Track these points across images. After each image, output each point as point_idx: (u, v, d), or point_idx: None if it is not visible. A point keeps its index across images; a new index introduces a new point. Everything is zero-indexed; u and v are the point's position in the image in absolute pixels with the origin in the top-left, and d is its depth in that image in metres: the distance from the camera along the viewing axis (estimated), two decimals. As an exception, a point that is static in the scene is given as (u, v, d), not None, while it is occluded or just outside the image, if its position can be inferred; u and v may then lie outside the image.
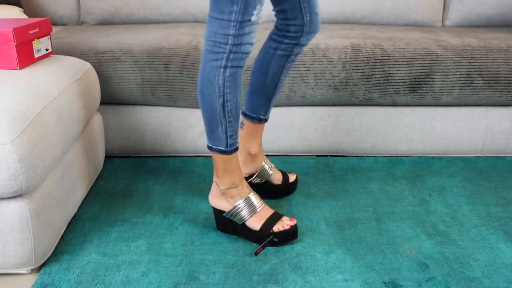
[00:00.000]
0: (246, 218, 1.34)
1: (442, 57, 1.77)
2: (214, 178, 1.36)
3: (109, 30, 2.01)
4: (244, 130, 1.48)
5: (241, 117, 1.40)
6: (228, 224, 1.38)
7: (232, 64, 1.19)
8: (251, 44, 1.20)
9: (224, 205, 1.36)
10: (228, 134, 1.26)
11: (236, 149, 1.30)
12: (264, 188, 1.55)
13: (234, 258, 1.29)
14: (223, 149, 1.28)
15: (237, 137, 1.30)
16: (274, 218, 1.35)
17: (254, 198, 1.35)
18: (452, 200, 1.59)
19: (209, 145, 1.30)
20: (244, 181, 1.36)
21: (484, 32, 2.03)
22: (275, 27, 1.38)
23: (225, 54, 1.18)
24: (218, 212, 1.38)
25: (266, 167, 1.54)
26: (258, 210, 1.34)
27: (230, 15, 1.15)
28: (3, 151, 1.08)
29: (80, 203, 1.52)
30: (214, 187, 1.37)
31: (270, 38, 1.39)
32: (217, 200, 1.37)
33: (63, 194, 1.34)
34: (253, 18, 1.16)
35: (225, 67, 1.19)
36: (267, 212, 1.36)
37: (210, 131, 1.28)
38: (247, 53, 1.20)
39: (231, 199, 1.34)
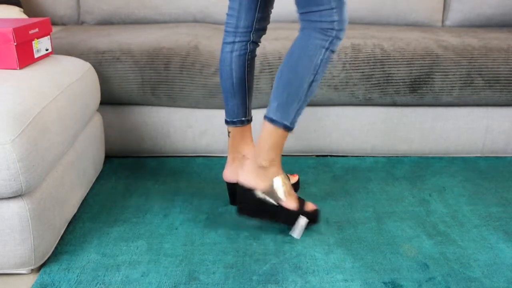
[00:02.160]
0: (282, 198, 1.34)
1: (442, 57, 1.76)
2: (253, 155, 1.37)
3: (109, 30, 2.01)
4: (231, 138, 1.47)
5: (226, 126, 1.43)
6: (256, 206, 1.36)
7: (332, 48, 1.25)
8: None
9: (259, 183, 1.35)
10: (298, 112, 1.29)
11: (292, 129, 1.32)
12: None
13: (234, 258, 1.29)
14: (287, 124, 1.29)
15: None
16: (300, 199, 1.39)
17: (287, 178, 1.38)
18: (452, 200, 1.59)
19: (274, 118, 1.29)
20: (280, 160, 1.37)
21: (484, 32, 2.03)
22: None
23: (331, 38, 1.24)
24: (248, 192, 1.36)
25: None
26: (291, 190, 1.37)
27: (329, 3, 1.21)
28: (3, 151, 1.08)
29: (80, 203, 1.52)
30: (250, 165, 1.37)
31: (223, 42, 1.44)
32: (251, 178, 1.36)
33: (63, 194, 1.34)
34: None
35: (326, 49, 1.25)
36: (294, 192, 1.39)
37: (283, 105, 1.28)
38: (342, 39, 1.28)
39: (268, 176, 1.34)
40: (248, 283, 1.20)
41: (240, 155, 1.48)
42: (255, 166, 1.35)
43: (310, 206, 1.40)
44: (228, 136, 1.47)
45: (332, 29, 1.23)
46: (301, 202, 1.38)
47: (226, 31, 1.40)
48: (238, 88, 1.42)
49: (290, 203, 1.35)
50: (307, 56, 1.26)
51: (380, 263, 1.28)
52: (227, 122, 1.46)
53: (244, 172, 1.37)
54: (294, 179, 1.59)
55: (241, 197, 1.38)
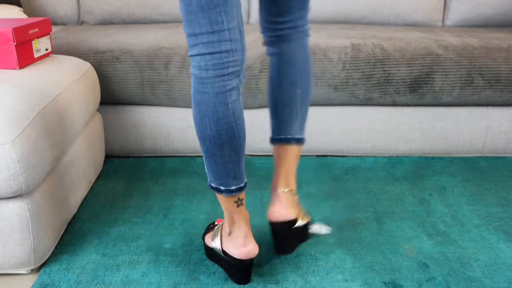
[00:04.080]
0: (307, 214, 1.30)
1: (443, 56, 1.76)
2: (281, 186, 1.23)
3: (109, 30, 2.01)
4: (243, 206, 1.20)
5: None
6: (296, 236, 1.28)
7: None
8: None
9: (298, 211, 1.26)
10: None
11: None
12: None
13: (234, 258, 1.29)
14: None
15: None
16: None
17: None
18: (453, 200, 1.59)
19: (302, 137, 1.20)
20: None
21: (485, 32, 2.03)
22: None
23: (309, 38, 1.24)
24: (294, 228, 1.25)
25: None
26: None
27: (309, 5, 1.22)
28: (3, 151, 1.08)
29: (80, 203, 1.52)
30: (285, 196, 1.24)
31: None
32: (293, 210, 1.24)
33: (63, 194, 1.34)
34: None
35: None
36: None
37: (304, 119, 1.23)
38: None
39: (296, 200, 1.28)
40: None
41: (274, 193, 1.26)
42: (291, 196, 1.21)
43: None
44: (241, 204, 1.14)
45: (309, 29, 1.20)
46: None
47: (228, 74, 1.02)
48: (244, 139, 1.11)
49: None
50: (310, 64, 1.21)
51: (380, 263, 1.27)
52: (241, 189, 1.12)
53: (283, 206, 1.21)
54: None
55: (287, 237, 1.23)
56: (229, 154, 1.06)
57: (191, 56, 1.03)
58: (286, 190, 1.21)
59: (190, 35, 1.01)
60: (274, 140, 1.21)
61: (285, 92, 1.18)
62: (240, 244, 1.15)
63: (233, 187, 1.10)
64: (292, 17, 1.17)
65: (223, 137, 1.04)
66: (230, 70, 1.01)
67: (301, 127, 1.20)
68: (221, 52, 0.99)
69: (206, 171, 1.12)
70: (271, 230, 1.23)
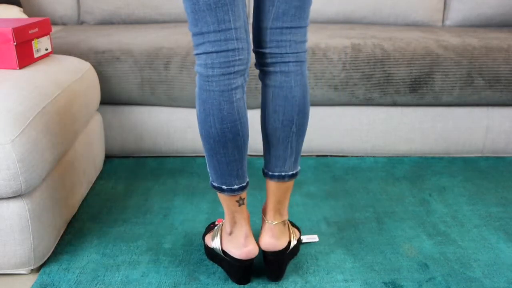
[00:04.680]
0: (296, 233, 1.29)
1: (443, 57, 1.76)
2: (269, 217, 1.20)
3: (109, 30, 2.01)
4: (244, 205, 1.20)
5: None
6: (289, 259, 1.25)
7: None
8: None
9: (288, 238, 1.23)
10: None
11: None
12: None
13: (234, 258, 1.29)
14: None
15: None
16: None
17: None
18: (453, 200, 1.59)
19: (296, 171, 1.16)
20: None
21: (485, 32, 2.03)
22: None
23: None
24: (285, 255, 1.23)
25: None
26: None
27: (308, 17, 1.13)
28: (3, 151, 1.08)
29: (80, 203, 1.52)
30: (277, 228, 1.20)
31: None
32: (284, 239, 1.21)
33: (63, 194, 1.34)
34: None
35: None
36: None
37: (299, 153, 1.17)
38: None
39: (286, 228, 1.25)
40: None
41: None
42: (282, 226, 1.18)
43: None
44: (242, 203, 1.14)
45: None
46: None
47: (234, 72, 1.02)
48: (248, 138, 1.10)
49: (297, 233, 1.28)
50: (307, 95, 1.12)
51: (380, 263, 1.27)
52: (243, 188, 1.12)
53: (274, 237, 1.17)
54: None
55: (280, 264, 1.20)
56: (232, 153, 1.06)
57: (196, 54, 1.03)
58: (278, 222, 1.18)
59: (196, 34, 1.01)
60: (267, 175, 1.17)
61: (280, 129, 1.11)
62: (240, 244, 1.15)
63: (236, 186, 1.10)
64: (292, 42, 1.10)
65: (227, 135, 1.04)
66: (236, 68, 1.02)
67: (296, 162, 1.16)
68: (227, 50, 1.00)
69: (208, 170, 1.12)
70: (264, 258, 1.21)
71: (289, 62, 1.08)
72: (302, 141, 1.15)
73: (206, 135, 1.05)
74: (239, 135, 1.05)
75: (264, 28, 1.07)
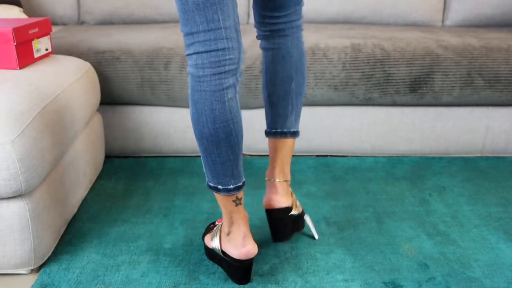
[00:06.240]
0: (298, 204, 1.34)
1: (443, 57, 1.76)
2: (275, 175, 1.28)
3: (109, 30, 2.01)
4: (242, 205, 1.20)
5: None
6: (292, 225, 1.33)
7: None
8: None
9: (291, 200, 1.32)
10: None
11: None
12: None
13: (234, 258, 1.29)
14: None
15: None
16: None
17: None
18: (453, 200, 1.59)
19: (297, 130, 1.25)
20: None
21: (485, 32, 2.03)
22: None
23: (302, 31, 1.35)
24: (290, 216, 1.31)
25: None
26: None
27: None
28: (3, 151, 1.08)
29: (80, 203, 1.52)
30: (281, 186, 1.29)
31: None
32: (286, 199, 1.30)
33: (63, 194, 1.34)
34: None
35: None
36: None
37: (299, 113, 1.26)
38: None
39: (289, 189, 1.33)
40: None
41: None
42: (286, 185, 1.25)
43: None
44: (239, 203, 1.14)
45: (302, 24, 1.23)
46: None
47: (225, 72, 1.02)
48: (242, 138, 1.10)
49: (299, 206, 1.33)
50: (304, 58, 1.24)
51: (380, 263, 1.27)
52: (239, 188, 1.11)
53: (279, 194, 1.25)
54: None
55: (285, 224, 1.26)
56: (226, 153, 1.06)
57: (188, 55, 1.03)
58: (281, 180, 1.26)
59: (187, 34, 1.02)
60: (270, 134, 1.25)
61: (281, 87, 1.21)
62: (239, 244, 1.15)
63: (231, 186, 1.10)
64: (287, 11, 1.20)
65: (220, 135, 1.04)
66: (227, 68, 1.02)
67: (296, 120, 1.24)
68: (217, 50, 1.00)
69: (204, 170, 1.12)
70: (268, 217, 1.26)
71: (285, 28, 1.20)
72: (301, 102, 1.23)
73: (199, 136, 1.06)
74: (232, 135, 1.05)
75: None
